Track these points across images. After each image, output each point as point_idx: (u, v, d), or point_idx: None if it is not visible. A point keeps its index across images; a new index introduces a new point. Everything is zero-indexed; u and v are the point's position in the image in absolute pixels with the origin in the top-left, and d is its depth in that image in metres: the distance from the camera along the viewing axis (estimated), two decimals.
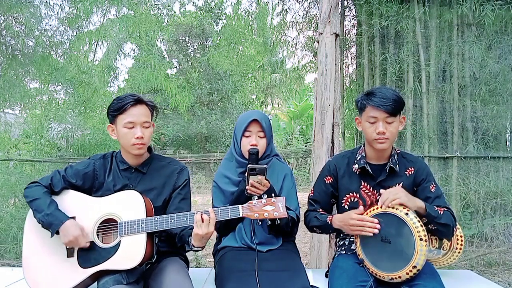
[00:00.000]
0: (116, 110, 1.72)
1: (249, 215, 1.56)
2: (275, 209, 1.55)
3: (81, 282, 1.61)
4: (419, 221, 1.59)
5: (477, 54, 3.72)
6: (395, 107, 1.71)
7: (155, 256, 1.66)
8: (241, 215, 1.57)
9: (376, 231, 1.63)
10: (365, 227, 1.65)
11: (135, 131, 1.71)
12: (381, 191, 1.71)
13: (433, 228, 1.68)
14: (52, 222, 1.61)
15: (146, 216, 1.63)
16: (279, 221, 1.61)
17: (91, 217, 1.67)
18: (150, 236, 1.64)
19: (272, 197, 1.58)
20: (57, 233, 1.63)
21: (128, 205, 1.66)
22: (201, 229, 1.54)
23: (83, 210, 1.70)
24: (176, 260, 1.81)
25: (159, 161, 1.87)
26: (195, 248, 1.62)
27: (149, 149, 1.86)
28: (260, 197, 1.58)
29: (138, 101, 1.73)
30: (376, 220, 1.64)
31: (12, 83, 4.57)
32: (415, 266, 1.56)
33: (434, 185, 1.81)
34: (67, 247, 1.65)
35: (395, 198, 1.60)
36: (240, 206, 1.58)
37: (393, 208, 1.63)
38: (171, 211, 1.75)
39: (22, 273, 1.69)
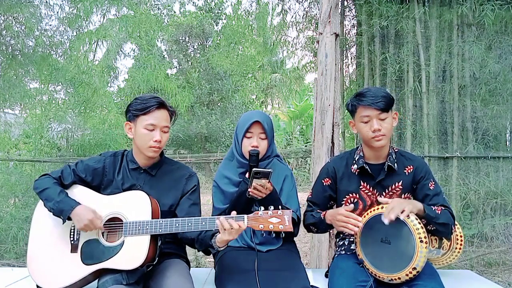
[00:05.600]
0: (139, 110, 1.72)
1: (253, 226, 1.55)
2: (281, 222, 1.53)
3: (82, 279, 1.61)
4: (419, 223, 1.59)
5: (477, 54, 3.72)
6: (386, 103, 1.73)
7: (157, 258, 1.66)
8: (245, 225, 1.56)
9: (356, 229, 1.65)
10: (348, 223, 1.67)
11: (154, 134, 1.72)
12: (378, 198, 1.72)
13: (432, 228, 1.68)
14: (63, 208, 1.62)
15: (152, 218, 1.63)
16: (283, 234, 1.61)
17: None
18: (154, 238, 1.64)
19: (279, 209, 1.56)
20: (69, 219, 1.63)
21: (135, 205, 1.67)
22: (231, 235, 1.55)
23: (90, 206, 1.69)
24: (178, 261, 1.81)
25: (169, 165, 1.87)
26: (221, 249, 1.64)
27: (161, 152, 1.86)
28: (266, 208, 1.57)
29: (162, 105, 1.74)
30: (360, 219, 1.67)
31: (12, 83, 4.57)
32: (415, 268, 1.55)
33: (433, 183, 1.81)
34: (71, 238, 1.65)
35: (402, 209, 1.59)
36: (245, 216, 1.57)
37: None
38: (182, 216, 1.74)
39: (23, 272, 1.69)
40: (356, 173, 1.85)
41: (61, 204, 1.63)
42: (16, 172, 4.65)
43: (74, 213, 1.61)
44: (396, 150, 1.88)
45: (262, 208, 1.58)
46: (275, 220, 1.54)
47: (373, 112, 1.72)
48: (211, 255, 1.90)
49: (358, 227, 1.65)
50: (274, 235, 1.63)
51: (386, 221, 1.59)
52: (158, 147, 1.74)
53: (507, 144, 4.14)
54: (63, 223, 1.65)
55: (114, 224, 1.67)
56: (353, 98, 1.81)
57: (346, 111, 4.49)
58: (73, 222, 1.64)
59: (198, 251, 1.78)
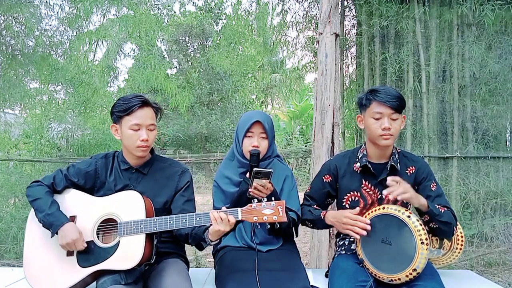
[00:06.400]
0: (122, 111, 1.71)
1: (248, 218, 1.55)
2: (274, 213, 1.53)
3: (80, 281, 1.61)
4: (421, 224, 1.59)
5: (477, 54, 3.72)
6: (400, 104, 1.74)
7: (154, 257, 1.66)
8: (239, 218, 1.56)
9: (365, 232, 1.64)
10: (356, 226, 1.66)
11: (140, 133, 1.71)
12: (384, 192, 1.70)
13: (435, 226, 1.67)
14: (53, 223, 1.62)
15: (146, 217, 1.63)
16: (278, 225, 1.60)
17: (91, 217, 1.68)
18: (149, 237, 1.64)
19: (272, 200, 1.56)
20: (57, 233, 1.63)
21: (128, 205, 1.66)
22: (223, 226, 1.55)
23: (84, 209, 1.70)
24: (176, 261, 1.81)
25: (161, 162, 1.87)
26: (213, 243, 1.63)
27: (151, 150, 1.86)
28: (260, 201, 1.57)
29: (145, 103, 1.73)
30: (368, 221, 1.65)
31: (12, 83, 4.57)
32: (415, 269, 1.55)
33: (435, 184, 1.81)
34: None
35: (404, 192, 1.58)
36: (239, 209, 1.57)
37: (395, 210, 1.63)
38: (176, 213, 1.74)
39: (23, 272, 1.69)
40: (358, 171, 1.85)
41: (51, 217, 1.63)
42: (16, 172, 4.65)
43: (62, 229, 1.61)
44: (398, 151, 1.89)
45: (256, 200, 1.58)
46: (269, 211, 1.54)
47: (386, 110, 1.72)
48: (211, 255, 1.90)
49: (367, 230, 1.64)
50: (268, 226, 1.63)
51: (385, 192, 1.60)
52: (146, 146, 1.73)
53: (507, 144, 4.14)
54: (51, 237, 1.65)
55: (108, 225, 1.67)
56: (367, 93, 1.80)
57: (347, 110, 4.51)
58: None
59: (191, 245, 1.77)
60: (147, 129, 1.73)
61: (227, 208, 1.86)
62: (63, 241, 1.60)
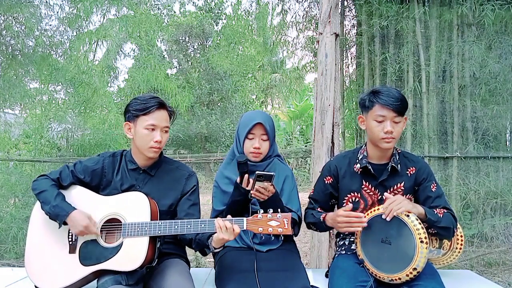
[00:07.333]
0: (139, 110, 1.71)
1: (253, 228, 1.56)
2: (280, 225, 1.54)
3: (81, 279, 1.61)
4: (420, 223, 1.58)
5: (477, 54, 3.72)
6: (403, 107, 1.73)
7: (156, 260, 1.66)
8: (245, 228, 1.56)
9: (364, 224, 1.64)
10: (352, 222, 1.66)
11: (154, 134, 1.72)
12: (385, 194, 1.71)
13: (434, 231, 1.68)
14: (59, 213, 1.62)
15: (151, 220, 1.63)
16: (283, 237, 1.60)
17: (96, 215, 1.67)
18: (153, 240, 1.63)
19: (278, 212, 1.56)
20: (65, 223, 1.63)
21: (133, 206, 1.67)
22: (227, 235, 1.55)
23: (89, 207, 1.69)
24: (178, 261, 1.81)
25: (168, 164, 1.87)
26: (216, 250, 1.64)
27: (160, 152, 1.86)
28: (266, 211, 1.57)
29: (162, 105, 1.74)
30: (362, 215, 1.65)
31: (12, 83, 4.57)
32: (415, 268, 1.55)
33: (435, 185, 1.81)
34: (69, 239, 1.66)
35: (399, 207, 1.59)
36: (244, 219, 1.57)
37: None
38: (181, 217, 1.75)
39: (23, 272, 1.69)
40: (359, 172, 1.85)
41: (56, 208, 1.63)
42: (16, 172, 4.65)
43: (69, 219, 1.61)
44: (399, 151, 1.88)
45: (262, 211, 1.58)
46: (274, 223, 1.54)
47: (389, 113, 1.71)
48: (211, 255, 1.90)
49: (363, 222, 1.64)
50: (273, 238, 1.64)
51: (384, 216, 1.61)
52: (158, 148, 1.74)
53: (507, 144, 4.14)
54: (59, 228, 1.66)
55: (112, 225, 1.67)
56: (370, 94, 1.77)
57: (347, 110, 4.51)
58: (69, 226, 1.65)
59: (195, 251, 1.78)
60: (162, 130, 1.74)
61: (223, 211, 1.87)
62: (75, 231, 1.61)
